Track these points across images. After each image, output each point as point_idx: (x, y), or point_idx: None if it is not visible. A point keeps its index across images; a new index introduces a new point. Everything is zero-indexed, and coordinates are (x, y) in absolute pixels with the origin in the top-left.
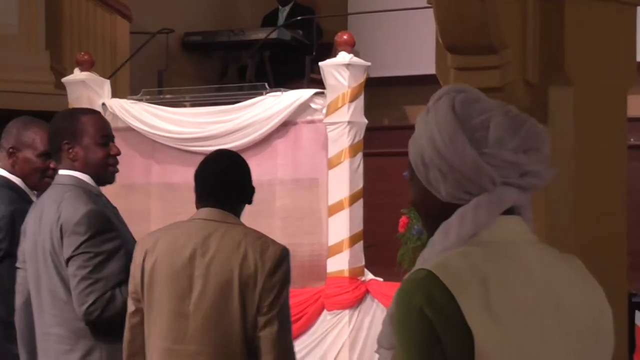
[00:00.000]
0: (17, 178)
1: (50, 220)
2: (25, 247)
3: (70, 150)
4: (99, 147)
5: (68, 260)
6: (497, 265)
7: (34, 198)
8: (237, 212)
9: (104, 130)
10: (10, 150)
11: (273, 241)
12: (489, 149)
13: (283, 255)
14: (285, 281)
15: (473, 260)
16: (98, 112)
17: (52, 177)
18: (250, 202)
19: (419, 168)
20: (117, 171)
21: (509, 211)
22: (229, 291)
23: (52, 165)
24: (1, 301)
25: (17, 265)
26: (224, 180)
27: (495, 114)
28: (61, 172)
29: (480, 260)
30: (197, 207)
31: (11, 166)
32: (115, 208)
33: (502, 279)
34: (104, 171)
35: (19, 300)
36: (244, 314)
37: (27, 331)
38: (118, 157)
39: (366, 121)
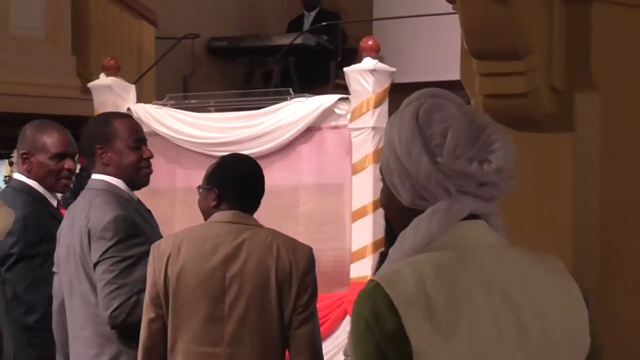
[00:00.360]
0: (34, 182)
1: (80, 225)
2: (59, 252)
3: (104, 155)
4: (131, 151)
5: (95, 265)
6: (449, 274)
7: (53, 201)
8: (253, 215)
9: (136, 134)
10: (24, 155)
11: (299, 241)
12: (443, 158)
13: (312, 255)
14: (316, 280)
15: (423, 269)
16: (130, 116)
17: (68, 179)
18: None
19: (385, 171)
20: (150, 173)
21: (474, 216)
22: (267, 292)
23: (66, 167)
24: (17, 305)
25: (54, 269)
26: (248, 183)
27: (455, 123)
28: (94, 176)
29: (430, 269)
30: (211, 208)
31: (27, 171)
32: (148, 211)
33: (452, 288)
34: (137, 175)
35: (55, 304)
36: (281, 314)
37: (63, 334)
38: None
39: None
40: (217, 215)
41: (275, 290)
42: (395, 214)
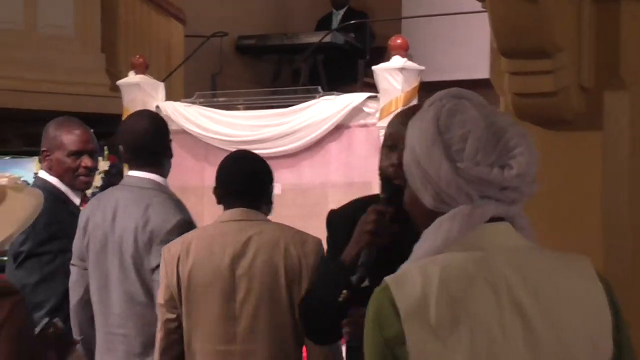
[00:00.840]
0: (55, 179)
1: (134, 223)
2: (88, 245)
3: (169, 154)
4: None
5: (156, 267)
6: (457, 278)
7: (75, 198)
8: (263, 211)
9: None
10: (45, 152)
11: (308, 234)
12: (464, 164)
13: (322, 247)
14: None
15: (432, 272)
16: None
17: (86, 176)
18: (271, 202)
19: (407, 174)
20: None
21: (500, 218)
22: (276, 288)
23: (83, 164)
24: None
25: (73, 262)
26: (243, 181)
27: (475, 127)
28: (133, 173)
29: (439, 272)
30: (221, 206)
31: (47, 168)
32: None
33: (457, 293)
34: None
35: (74, 297)
36: (292, 310)
37: (86, 326)
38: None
39: None
40: (225, 214)
41: (285, 287)
42: (420, 215)
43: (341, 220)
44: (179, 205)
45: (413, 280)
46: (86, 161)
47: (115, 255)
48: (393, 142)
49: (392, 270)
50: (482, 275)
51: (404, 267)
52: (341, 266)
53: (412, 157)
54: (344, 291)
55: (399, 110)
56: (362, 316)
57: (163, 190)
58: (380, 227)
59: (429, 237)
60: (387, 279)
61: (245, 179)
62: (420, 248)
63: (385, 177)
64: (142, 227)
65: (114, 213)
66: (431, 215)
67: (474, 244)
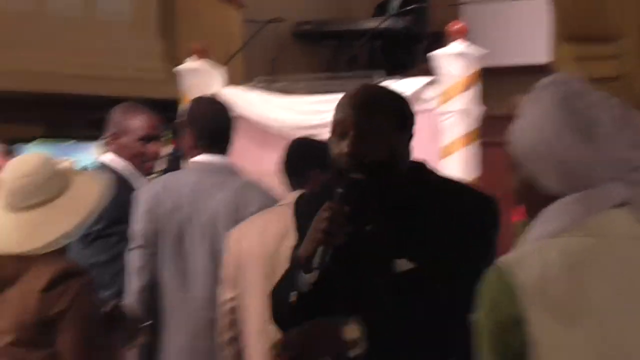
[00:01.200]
0: (121, 163)
1: (229, 205)
2: (159, 229)
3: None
4: None
5: None
6: (576, 264)
7: (139, 183)
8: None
9: None
10: (112, 137)
11: None
12: (598, 144)
13: None
14: None
15: (550, 256)
16: None
17: (153, 161)
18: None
19: (526, 159)
20: None
21: (620, 204)
22: None
23: (151, 150)
24: None
25: (134, 246)
26: (291, 165)
27: (604, 108)
28: (203, 157)
29: (557, 257)
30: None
31: (114, 152)
32: None
33: (576, 279)
34: None
35: (138, 282)
36: None
37: (148, 311)
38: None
39: (480, 110)
40: (285, 197)
41: None
42: (533, 201)
43: (307, 208)
44: (267, 188)
45: (531, 262)
46: (154, 147)
47: (202, 239)
48: (343, 130)
49: (348, 270)
50: (602, 262)
51: (520, 249)
52: (297, 263)
53: (536, 140)
54: (293, 293)
55: (458, 95)
56: (289, 341)
57: (238, 173)
58: (334, 226)
59: (549, 219)
60: (504, 259)
61: (301, 164)
62: (537, 229)
63: (337, 169)
64: (242, 208)
65: (193, 197)
66: (546, 201)
67: (594, 230)
